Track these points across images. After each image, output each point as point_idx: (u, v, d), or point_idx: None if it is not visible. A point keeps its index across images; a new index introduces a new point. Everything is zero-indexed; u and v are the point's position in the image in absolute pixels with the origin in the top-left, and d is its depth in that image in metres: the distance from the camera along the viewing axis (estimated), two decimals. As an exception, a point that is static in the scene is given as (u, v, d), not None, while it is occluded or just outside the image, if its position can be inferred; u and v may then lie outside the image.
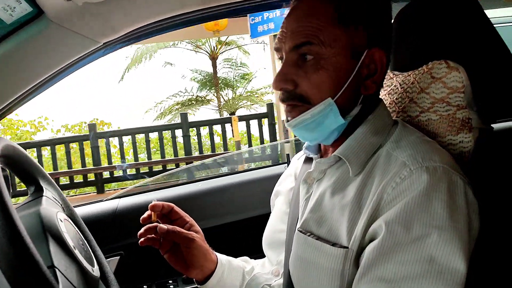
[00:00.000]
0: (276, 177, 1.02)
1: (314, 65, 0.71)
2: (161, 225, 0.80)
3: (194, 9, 1.00)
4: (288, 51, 0.73)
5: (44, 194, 0.85)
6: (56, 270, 0.66)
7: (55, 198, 0.89)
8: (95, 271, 0.79)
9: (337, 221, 0.68)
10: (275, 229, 0.90)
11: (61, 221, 0.79)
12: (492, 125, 0.76)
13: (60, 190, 0.93)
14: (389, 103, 0.87)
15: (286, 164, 1.47)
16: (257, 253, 0.98)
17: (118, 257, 1.32)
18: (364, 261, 0.62)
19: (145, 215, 0.83)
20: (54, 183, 0.92)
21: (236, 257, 0.99)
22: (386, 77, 0.82)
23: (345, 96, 0.72)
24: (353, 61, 0.72)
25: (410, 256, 0.59)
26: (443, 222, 0.59)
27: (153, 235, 0.82)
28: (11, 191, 0.85)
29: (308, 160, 0.86)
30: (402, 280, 0.58)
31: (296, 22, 0.72)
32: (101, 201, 1.46)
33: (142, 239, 0.82)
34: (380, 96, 0.80)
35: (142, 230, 0.82)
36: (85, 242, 0.87)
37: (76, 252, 0.75)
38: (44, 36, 0.93)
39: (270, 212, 0.97)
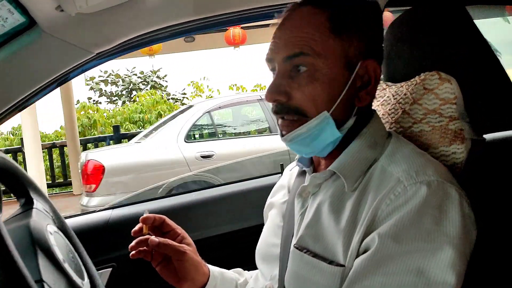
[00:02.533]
0: (270, 188, 1.01)
1: (308, 77, 0.69)
2: (153, 237, 0.80)
3: (186, 19, 1.00)
4: (281, 62, 0.72)
5: (34, 206, 0.84)
6: (45, 284, 0.65)
7: (45, 210, 0.87)
8: (85, 284, 0.78)
9: (334, 238, 0.67)
10: (268, 242, 0.89)
11: (51, 234, 0.78)
12: (484, 135, 0.76)
13: (51, 201, 0.91)
14: (382, 114, 0.87)
15: (281, 174, 1.46)
16: (251, 264, 0.97)
17: (110, 269, 1.31)
18: (353, 271, 0.62)
19: (136, 227, 0.83)
20: (45, 194, 0.91)
21: (229, 268, 0.97)
22: (379, 87, 0.81)
23: (339, 109, 0.71)
24: (347, 72, 0.71)
25: (398, 267, 0.59)
26: (432, 236, 0.59)
27: (144, 247, 0.81)
28: (1, 202, 0.84)
29: (302, 173, 0.85)
30: None
31: (290, 32, 0.71)
32: (94, 212, 1.44)
33: (133, 252, 0.81)
34: (373, 107, 0.80)
35: (133, 243, 0.81)
36: (76, 254, 0.86)
37: (66, 265, 0.74)
38: (36, 47, 0.92)
39: (264, 224, 0.96)
